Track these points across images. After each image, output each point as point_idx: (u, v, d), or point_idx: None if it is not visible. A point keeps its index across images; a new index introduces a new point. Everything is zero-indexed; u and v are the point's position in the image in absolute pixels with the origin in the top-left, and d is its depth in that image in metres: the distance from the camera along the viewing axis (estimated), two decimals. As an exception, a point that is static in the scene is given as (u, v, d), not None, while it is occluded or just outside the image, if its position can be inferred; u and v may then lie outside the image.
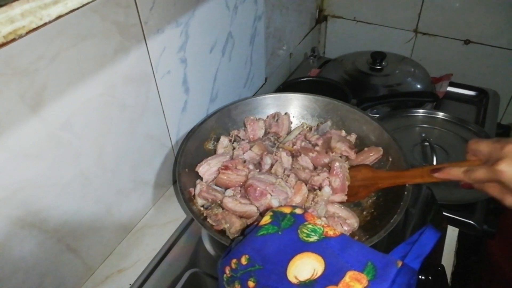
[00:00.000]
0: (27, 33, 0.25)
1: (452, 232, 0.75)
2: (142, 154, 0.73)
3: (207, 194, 0.61)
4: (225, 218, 0.57)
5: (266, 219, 0.46)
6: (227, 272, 0.44)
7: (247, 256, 0.43)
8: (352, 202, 0.66)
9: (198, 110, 0.83)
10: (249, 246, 0.44)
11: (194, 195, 0.63)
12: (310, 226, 0.43)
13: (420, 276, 0.59)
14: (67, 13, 0.27)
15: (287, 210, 0.46)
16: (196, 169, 0.66)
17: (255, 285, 0.41)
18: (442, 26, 1.22)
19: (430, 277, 0.59)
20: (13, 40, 0.23)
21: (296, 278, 0.40)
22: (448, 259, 0.70)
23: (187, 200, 0.59)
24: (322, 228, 0.43)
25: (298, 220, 0.44)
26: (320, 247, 0.41)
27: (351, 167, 0.68)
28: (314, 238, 0.42)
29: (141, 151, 0.72)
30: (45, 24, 0.26)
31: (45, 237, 0.58)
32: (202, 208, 0.62)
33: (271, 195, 0.57)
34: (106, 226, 0.70)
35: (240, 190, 0.62)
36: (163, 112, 0.73)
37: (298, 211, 0.46)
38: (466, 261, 1.00)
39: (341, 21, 1.38)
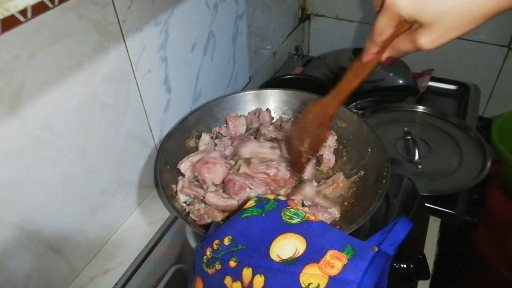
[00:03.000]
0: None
1: (434, 223, 0.76)
2: (125, 154, 0.73)
3: (189, 190, 0.61)
4: (208, 213, 0.58)
5: (251, 203, 0.47)
6: (208, 253, 0.45)
7: (230, 237, 0.44)
8: (319, 148, 0.63)
9: (181, 109, 0.83)
10: (233, 227, 0.45)
11: (176, 192, 0.64)
12: (292, 210, 0.45)
13: (401, 265, 0.61)
14: (34, 5, 0.27)
15: (271, 197, 0.48)
16: (178, 166, 0.66)
17: (237, 265, 0.42)
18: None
19: (411, 265, 0.60)
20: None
21: (278, 256, 0.40)
22: (430, 249, 0.71)
23: (169, 197, 0.59)
24: (304, 213, 0.44)
25: (281, 204, 0.46)
26: (302, 228, 0.42)
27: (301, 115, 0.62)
28: (296, 220, 0.43)
29: (124, 151, 0.72)
30: (12, 15, 0.26)
31: (28, 237, 0.58)
32: (184, 204, 0.63)
33: (250, 188, 0.58)
34: (90, 227, 0.70)
35: (222, 186, 0.63)
36: (145, 111, 0.73)
37: (282, 197, 0.47)
38: (451, 251, 1.02)
39: (324, 20, 1.40)
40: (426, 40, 0.41)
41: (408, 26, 0.43)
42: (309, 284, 0.37)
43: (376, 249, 0.39)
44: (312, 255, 0.39)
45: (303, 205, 0.61)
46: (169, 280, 0.57)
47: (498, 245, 1.04)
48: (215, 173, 0.63)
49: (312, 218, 0.43)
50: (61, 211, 0.62)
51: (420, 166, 0.85)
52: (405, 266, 0.60)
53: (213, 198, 0.60)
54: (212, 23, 0.85)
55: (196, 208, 0.60)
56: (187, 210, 0.61)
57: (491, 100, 1.30)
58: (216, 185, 0.64)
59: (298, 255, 0.39)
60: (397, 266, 0.61)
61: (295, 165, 0.64)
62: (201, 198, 0.62)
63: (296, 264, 0.39)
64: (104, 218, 0.72)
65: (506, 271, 1.01)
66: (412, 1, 0.39)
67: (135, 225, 0.77)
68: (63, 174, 0.61)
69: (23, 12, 0.29)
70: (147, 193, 0.82)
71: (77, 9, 0.54)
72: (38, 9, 0.44)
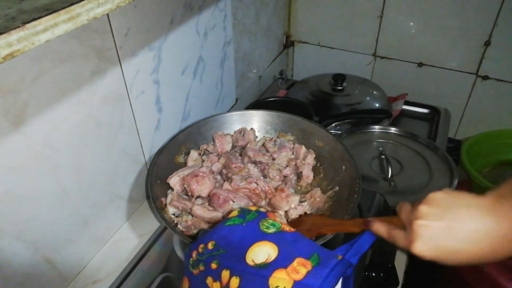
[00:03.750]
0: (19, 55, 0.30)
1: (405, 235, 0.82)
2: (117, 170, 0.77)
3: (178, 203, 0.66)
4: (194, 224, 0.62)
5: (234, 213, 0.53)
6: (194, 256, 0.50)
7: (213, 242, 0.50)
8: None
9: (171, 128, 0.88)
10: (217, 233, 0.51)
11: (165, 204, 0.68)
12: (270, 221, 0.50)
13: (372, 273, 0.66)
14: (53, 39, 0.33)
15: (253, 208, 0.53)
16: (168, 181, 0.71)
17: (217, 267, 0.47)
18: (398, 51, 1.34)
19: (381, 274, 0.65)
20: (10, 59, 0.28)
21: (253, 261, 0.46)
22: (400, 260, 0.76)
23: (159, 209, 0.64)
24: (280, 224, 0.50)
25: (261, 215, 0.51)
26: (276, 237, 0.48)
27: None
28: (272, 230, 0.49)
29: (116, 166, 0.76)
30: (35, 47, 0.32)
31: (23, 247, 0.61)
32: (173, 216, 0.67)
33: (233, 201, 0.64)
34: (82, 238, 0.73)
35: (208, 199, 0.68)
36: (137, 129, 0.78)
37: (262, 209, 0.53)
38: (424, 265, 1.07)
39: (307, 46, 1.48)
40: (420, 249, 0.43)
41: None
42: (277, 286, 0.43)
43: (340, 257, 0.45)
44: (281, 261, 0.45)
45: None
46: (157, 287, 0.61)
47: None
48: (203, 185, 0.68)
49: (286, 229, 0.49)
50: (55, 223, 0.66)
51: (393, 183, 0.91)
52: (374, 274, 0.66)
53: (199, 210, 0.65)
54: (201, 49, 0.91)
55: (184, 219, 0.65)
56: (175, 222, 0.65)
57: (461, 124, 1.38)
58: (202, 198, 0.69)
59: (269, 261, 0.45)
60: (369, 274, 0.66)
61: None
62: (189, 210, 0.67)
63: (267, 268, 0.44)
64: (95, 230, 0.76)
65: (475, 285, 1.07)
66: (431, 252, 0.42)
67: (124, 238, 0.81)
68: (59, 188, 0.65)
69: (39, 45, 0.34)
70: (136, 207, 0.86)
71: (79, 36, 0.60)
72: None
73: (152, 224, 0.82)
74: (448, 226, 0.41)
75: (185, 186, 0.70)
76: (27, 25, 0.29)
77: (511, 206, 0.39)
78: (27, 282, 0.64)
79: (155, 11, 0.73)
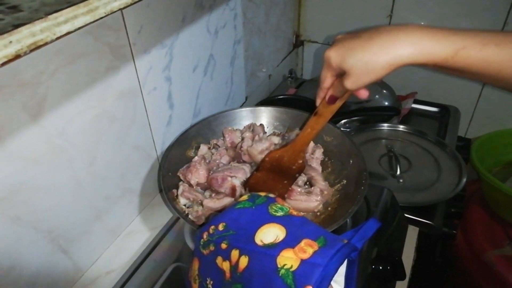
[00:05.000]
0: (42, 45, 0.32)
1: (412, 231, 0.83)
2: (129, 164, 0.79)
3: (189, 194, 0.68)
4: (205, 214, 0.64)
5: (244, 197, 0.55)
6: (205, 237, 0.52)
7: (224, 223, 0.52)
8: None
9: (182, 124, 0.90)
10: (227, 216, 0.53)
11: (177, 195, 0.70)
12: (278, 205, 0.52)
13: (380, 266, 0.67)
14: (73, 31, 0.34)
15: (262, 194, 0.56)
16: (178, 173, 0.73)
17: (227, 247, 0.49)
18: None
19: (388, 267, 0.66)
20: (35, 48, 0.30)
21: (261, 241, 0.47)
22: (408, 254, 0.77)
23: (171, 199, 0.66)
24: (288, 209, 0.52)
25: (270, 200, 0.53)
26: (285, 220, 0.49)
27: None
28: (280, 213, 0.51)
29: (129, 160, 0.78)
30: (57, 38, 0.34)
31: (40, 237, 0.64)
32: (184, 207, 0.69)
33: (230, 177, 0.66)
34: (95, 230, 0.75)
35: (211, 189, 0.71)
36: (149, 125, 0.80)
37: (271, 195, 0.55)
38: (433, 261, 1.07)
39: (316, 46, 1.50)
40: (348, 82, 0.54)
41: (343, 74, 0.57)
42: (284, 264, 0.44)
43: (346, 241, 0.46)
44: (289, 242, 0.46)
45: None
46: (168, 276, 0.63)
47: (478, 258, 1.10)
48: (197, 173, 0.72)
49: (294, 213, 0.51)
50: (70, 214, 0.68)
51: (401, 180, 0.92)
52: (383, 267, 0.66)
53: (210, 203, 0.66)
54: (212, 47, 0.93)
55: (194, 210, 0.66)
56: (186, 212, 0.67)
57: (472, 122, 1.38)
58: (200, 184, 0.72)
59: (277, 241, 0.46)
60: (376, 267, 0.67)
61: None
62: (199, 201, 0.69)
63: (275, 248, 0.46)
64: (108, 223, 0.78)
65: (485, 283, 1.07)
66: (337, 55, 0.54)
67: (136, 231, 0.83)
68: (74, 180, 0.67)
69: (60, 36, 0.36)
70: (148, 201, 0.88)
71: (95, 32, 0.62)
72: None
73: (163, 218, 0.84)
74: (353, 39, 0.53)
75: (182, 179, 0.73)
76: (49, 17, 0.31)
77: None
78: (43, 271, 0.66)
79: (167, 9, 0.75)
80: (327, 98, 0.65)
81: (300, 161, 0.75)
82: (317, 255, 0.44)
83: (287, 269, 0.44)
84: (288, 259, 0.44)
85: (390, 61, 0.49)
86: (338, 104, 0.66)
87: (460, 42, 0.46)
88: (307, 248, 0.45)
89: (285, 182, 0.73)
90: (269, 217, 0.50)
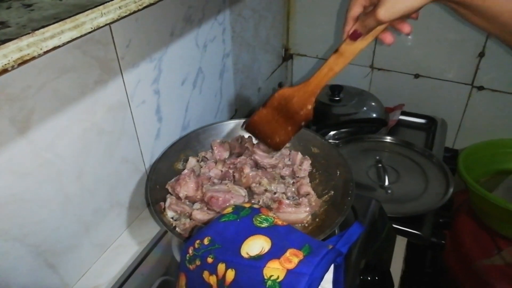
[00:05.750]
0: (29, 60, 0.32)
1: (401, 242, 0.83)
2: (118, 177, 0.79)
3: (176, 206, 0.68)
4: (192, 227, 0.64)
5: (228, 210, 0.55)
6: (190, 252, 0.52)
7: (209, 237, 0.52)
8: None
9: (171, 137, 0.91)
10: (212, 229, 0.53)
11: (164, 208, 0.70)
12: (263, 216, 0.53)
13: (368, 277, 0.67)
14: (60, 46, 0.35)
15: (247, 205, 0.56)
16: (166, 186, 0.73)
17: (213, 261, 0.49)
18: (395, 62, 1.37)
19: (376, 278, 0.67)
20: (23, 63, 0.31)
21: (247, 253, 0.48)
22: (397, 265, 0.78)
23: (158, 212, 0.66)
24: (272, 219, 0.53)
25: (254, 211, 0.54)
26: (270, 231, 0.50)
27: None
28: (265, 224, 0.51)
29: (117, 174, 0.78)
30: (44, 53, 0.34)
31: (26, 251, 0.63)
32: (171, 220, 0.69)
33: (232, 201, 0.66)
34: (83, 244, 0.75)
35: (206, 203, 0.70)
36: (138, 138, 0.81)
37: (256, 206, 0.56)
38: (422, 271, 1.08)
39: (305, 59, 1.52)
40: (381, 11, 0.51)
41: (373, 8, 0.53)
42: (271, 276, 0.45)
43: (331, 247, 0.47)
44: (275, 253, 0.47)
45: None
46: (156, 290, 0.63)
47: (468, 268, 1.10)
48: (186, 186, 0.72)
49: (279, 222, 0.51)
50: (58, 227, 0.68)
51: (389, 191, 0.93)
52: (371, 278, 0.67)
53: (199, 214, 0.67)
54: (201, 61, 0.94)
55: (182, 222, 0.66)
56: (173, 225, 0.67)
57: (459, 133, 1.40)
58: (200, 202, 0.71)
59: (263, 253, 0.47)
60: (364, 278, 0.67)
61: (272, 142, 0.75)
62: (187, 214, 0.69)
63: (261, 260, 0.46)
64: (96, 237, 0.77)
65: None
66: None
67: (124, 244, 0.82)
68: (62, 193, 0.67)
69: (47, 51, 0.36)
70: (136, 214, 0.88)
71: (83, 46, 0.62)
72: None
73: (151, 232, 0.84)
74: None
75: (170, 192, 0.73)
76: (36, 32, 0.31)
77: None
78: (30, 286, 0.65)
79: (155, 24, 0.76)
80: (350, 32, 0.59)
81: (309, 107, 0.69)
82: (302, 264, 0.44)
83: (274, 280, 0.44)
84: (274, 270, 0.45)
85: None
86: (361, 44, 0.60)
87: None
88: (292, 258, 0.45)
89: (289, 128, 0.70)
90: (254, 229, 0.50)
